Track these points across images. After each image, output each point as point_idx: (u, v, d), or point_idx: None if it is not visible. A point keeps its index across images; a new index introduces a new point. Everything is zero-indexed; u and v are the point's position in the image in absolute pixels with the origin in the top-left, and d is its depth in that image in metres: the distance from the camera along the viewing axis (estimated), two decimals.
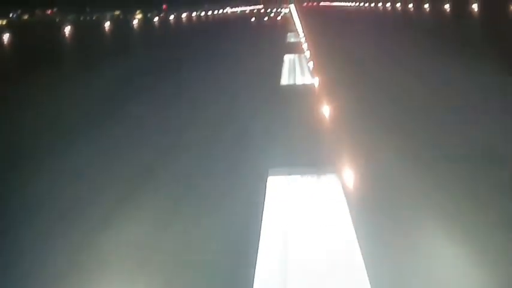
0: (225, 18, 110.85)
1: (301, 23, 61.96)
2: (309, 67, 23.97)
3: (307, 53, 29.08)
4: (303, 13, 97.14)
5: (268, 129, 12.41)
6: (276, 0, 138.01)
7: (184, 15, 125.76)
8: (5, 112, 16.74)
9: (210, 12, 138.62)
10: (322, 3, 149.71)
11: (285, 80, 20.13)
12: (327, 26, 59.28)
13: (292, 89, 18.12)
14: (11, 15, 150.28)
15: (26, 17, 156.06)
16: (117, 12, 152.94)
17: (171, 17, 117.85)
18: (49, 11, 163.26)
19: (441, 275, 5.68)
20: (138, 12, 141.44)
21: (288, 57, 27.98)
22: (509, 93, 14.80)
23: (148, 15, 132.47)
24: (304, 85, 18.76)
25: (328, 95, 16.08)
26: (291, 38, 41.74)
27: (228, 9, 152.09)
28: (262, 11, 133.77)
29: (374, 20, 64.43)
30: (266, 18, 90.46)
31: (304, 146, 10.69)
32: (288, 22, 70.96)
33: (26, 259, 6.60)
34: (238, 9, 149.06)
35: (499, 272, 5.69)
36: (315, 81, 19.28)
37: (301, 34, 43.72)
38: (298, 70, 23.04)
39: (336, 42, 36.71)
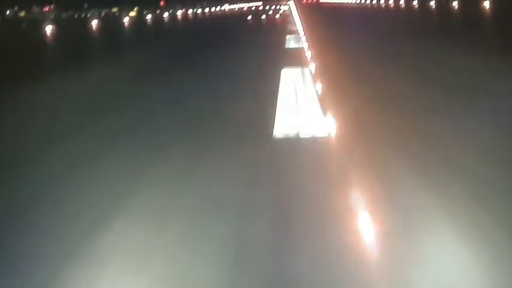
0: (220, 16, 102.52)
1: (301, 23, 53.80)
2: (317, 92, 15.98)
3: (312, 66, 21.06)
4: (303, 11, 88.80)
5: None
6: None
7: (179, 12, 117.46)
8: None
9: (207, 10, 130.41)
10: (322, 0, 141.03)
11: (281, 127, 11.95)
12: (331, 27, 50.90)
13: (294, 153, 9.96)
14: (8, 12, 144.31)
15: (22, 13, 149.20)
16: (114, 9, 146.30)
17: (165, 15, 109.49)
18: (46, 8, 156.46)
19: None
20: (135, 9, 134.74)
21: (286, 74, 19.96)
22: None
23: (144, 12, 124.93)
24: (314, 141, 10.69)
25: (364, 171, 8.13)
26: (290, 43, 33.59)
27: (226, 7, 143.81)
28: (261, 8, 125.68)
29: (382, 22, 56.06)
30: (264, 17, 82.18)
31: None
32: (287, 21, 62.73)
33: None
34: (236, 7, 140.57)
35: None
36: (331, 127, 11.31)
37: (303, 37, 35.62)
38: (302, 102, 15.02)
39: (346, 51, 28.63)
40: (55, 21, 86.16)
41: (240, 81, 19.34)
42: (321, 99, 14.93)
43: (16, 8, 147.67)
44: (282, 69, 21.05)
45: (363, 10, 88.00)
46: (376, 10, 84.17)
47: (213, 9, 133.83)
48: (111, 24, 77.03)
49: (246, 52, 29.45)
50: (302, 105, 14.41)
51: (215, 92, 17.31)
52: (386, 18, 61.58)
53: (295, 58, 24.48)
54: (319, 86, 16.69)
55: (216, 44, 36.20)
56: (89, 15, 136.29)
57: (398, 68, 20.18)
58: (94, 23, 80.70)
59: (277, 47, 31.04)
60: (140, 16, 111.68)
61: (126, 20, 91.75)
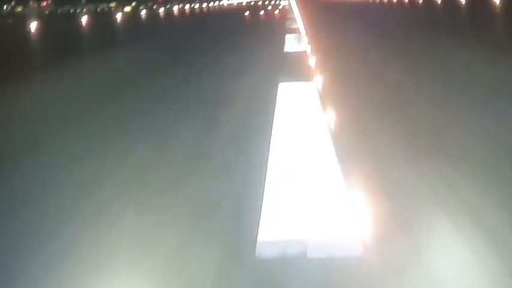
0: (217, 12, 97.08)
1: (302, 20, 48.58)
2: (328, 126, 10.81)
3: (319, 80, 15.88)
4: (304, 6, 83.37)
5: None
6: None
7: (175, 7, 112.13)
8: None
9: (205, 5, 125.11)
10: None
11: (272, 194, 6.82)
12: (335, 26, 45.63)
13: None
14: (5, 7, 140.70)
15: (19, 9, 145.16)
16: (112, 4, 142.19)
17: (161, 10, 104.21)
18: (44, 3, 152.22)
19: None
20: (133, 4, 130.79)
21: (284, 90, 14.78)
22: None
23: (141, 7, 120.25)
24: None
25: None
26: (290, 44, 28.27)
27: (225, 1, 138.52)
28: (260, 3, 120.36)
29: (392, 20, 50.75)
30: (262, 13, 76.82)
31: None
32: (287, 18, 57.38)
33: None
34: (234, 1, 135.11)
35: None
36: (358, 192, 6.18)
37: (304, 37, 30.39)
38: (306, 136, 9.82)
39: (358, 57, 23.41)
40: (44, 17, 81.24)
41: (218, 111, 14.04)
42: (332, 132, 9.84)
43: (13, 3, 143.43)
44: (278, 84, 15.81)
45: (368, 5, 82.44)
46: (381, 5, 78.70)
47: (211, 4, 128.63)
48: (98, 20, 71.71)
49: (234, 60, 24.00)
50: (306, 143, 9.24)
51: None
52: (395, 14, 56.20)
53: (295, 68, 19.25)
54: (330, 116, 11.53)
55: (199, 48, 30.41)
56: (84, 10, 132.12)
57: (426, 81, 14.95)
58: (83, 18, 75.48)
59: (275, 50, 25.70)
60: (135, 11, 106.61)
61: (118, 15, 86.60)
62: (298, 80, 16.29)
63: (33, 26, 62.36)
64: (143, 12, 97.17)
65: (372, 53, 23.10)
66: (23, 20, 75.91)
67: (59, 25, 62.99)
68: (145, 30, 51.76)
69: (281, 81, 16.03)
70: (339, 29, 40.14)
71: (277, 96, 14.03)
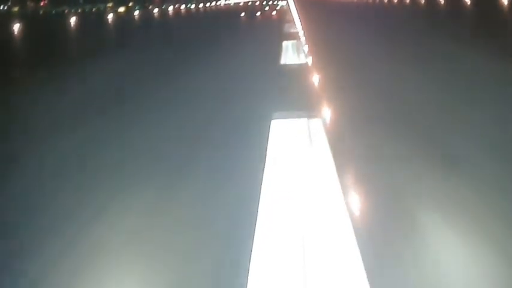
0: (211, 13, 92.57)
1: (301, 22, 44.04)
2: (346, 205, 6.32)
3: (325, 111, 11.40)
4: (303, 6, 78.75)
5: None
6: None
7: (171, 8, 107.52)
8: None
9: (201, 5, 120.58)
10: None
11: None
12: (338, 31, 41.01)
13: None
14: (1, 7, 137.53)
15: (16, 9, 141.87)
16: (109, 5, 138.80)
17: (156, 10, 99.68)
18: (42, 3, 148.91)
19: None
20: (130, 4, 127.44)
21: (277, 133, 10.28)
22: None
23: (136, 7, 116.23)
24: None
25: None
26: (287, 54, 23.63)
27: (222, 2, 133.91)
28: (258, 3, 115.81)
29: (399, 23, 46.27)
30: (259, 13, 72.22)
31: None
32: (285, 19, 52.81)
33: None
34: (232, 2, 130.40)
35: None
36: None
37: (304, 45, 25.79)
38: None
39: (367, 70, 18.93)
40: (35, 18, 77.28)
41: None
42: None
43: (9, 3, 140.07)
44: (271, 121, 11.27)
45: (369, 6, 77.80)
46: (381, 5, 74.17)
47: (208, 4, 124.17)
48: (82, 22, 67.17)
49: (219, 77, 19.30)
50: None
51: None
52: (397, 15, 51.75)
53: (294, 90, 14.70)
54: (348, 180, 7.05)
55: (177, 63, 25.44)
56: (79, 10, 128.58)
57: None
58: (71, 20, 71.01)
59: (269, 64, 21.05)
60: (129, 12, 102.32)
61: (110, 16, 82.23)
62: (296, 114, 11.68)
63: (12, 28, 57.54)
64: (136, 13, 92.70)
65: (381, 63, 18.63)
66: (8, 20, 71.51)
67: (36, 27, 58.48)
68: (119, 37, 46.48)
69: (274, 118, 11.45)
70: (342, 33, 35.62)
71: (267, 145, 9.51)
